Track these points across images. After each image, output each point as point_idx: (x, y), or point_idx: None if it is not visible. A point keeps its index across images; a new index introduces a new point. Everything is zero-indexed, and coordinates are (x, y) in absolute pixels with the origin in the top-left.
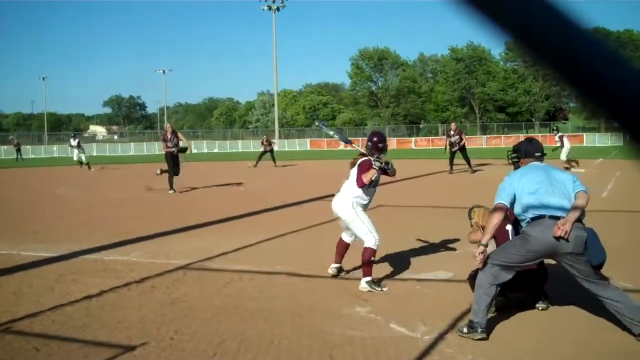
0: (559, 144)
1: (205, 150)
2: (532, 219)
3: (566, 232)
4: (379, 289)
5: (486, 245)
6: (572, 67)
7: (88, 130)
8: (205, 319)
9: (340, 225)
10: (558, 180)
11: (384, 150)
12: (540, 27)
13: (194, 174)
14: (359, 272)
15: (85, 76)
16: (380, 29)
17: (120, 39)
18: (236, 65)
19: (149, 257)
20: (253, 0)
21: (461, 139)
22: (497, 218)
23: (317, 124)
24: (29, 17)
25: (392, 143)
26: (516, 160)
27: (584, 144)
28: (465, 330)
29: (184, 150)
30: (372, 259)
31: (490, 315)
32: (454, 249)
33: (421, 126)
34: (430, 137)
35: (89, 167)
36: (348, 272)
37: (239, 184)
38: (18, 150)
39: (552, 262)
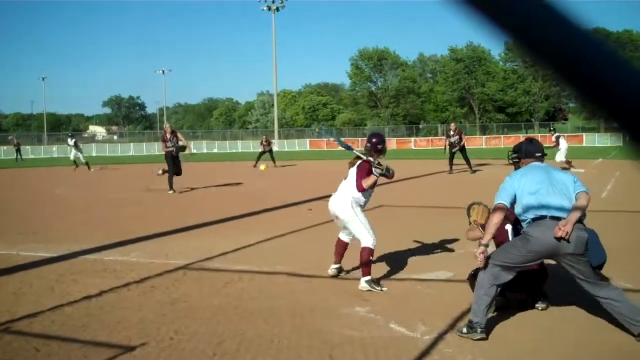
0: (554, 145)
1: (205, 151)
2: (533, 220)
3: (567, 233)
4: (379, 288)
5: (487, 246)
6: (572, 68)
7: (87, 131)
8: (205, 319)
9: (337, 225)
10: (559, 180)
11: (383, 151)
12: (540, 27)
13: (193, 174)
14: (359, 272)
15: (84, 76)
16: (380, 29)
17: (120, 39)
18: (236, 65)
19: (149, 257)
20: (252, 1)
21: (461, 139)
22: (497, 218)
23: (336, 142)
24: (29, 17)
25: (392, 143)
26: (517, 160)
27: (584, 144)
28: (464, 330)
29: (182, 149)
30: (371, 258)
31: (490, 315)
32: (453, 249)
33: (421, 126)
34: (430, 138)
35: (89, 167)
36: (348, 272)
37: (239, 184)
38: (18, 151)
39: (552, 262)
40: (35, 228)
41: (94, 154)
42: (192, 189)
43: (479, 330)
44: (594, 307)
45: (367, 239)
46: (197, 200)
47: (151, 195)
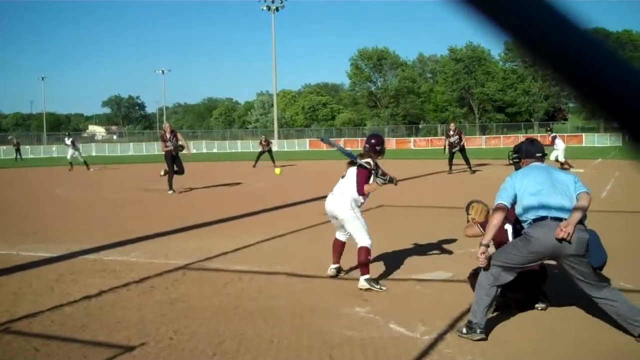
0: (550, 145)
1: (205, 151)
2: (534, 220)
3: (569, 234)
4: (378, 286)
5: (487, 246)
6: (571, 68)
7: (87, 130)
8: (205, 319)
9: (334, 224)
10: (560, 181)
11: (381, 152)
12: (539, 27)
13: (193, 174)
14: (358, 272)
15: (84, 76)
16: (379, 29)
17: (120, 39)
18: (235, 65)
19: (149, 257)
20: (252, 1)
21: (460, 139)
22: (497, 218)
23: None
24: (28, 17)
25: (391, 143)
26: (517, 160)
27: (583, 144)
28: (464, 330)
29: (182, 148)
30: (369, 257)
31: (490, 315)
32: (453, 249)
33: (420, 126)
34: (430, 138)
35: (88, 167)
36: (347, 272)
37: (238, 184)
38: (17, 150)
39: (552, 262)
40: (35, 228)
41: (93, 154)
42: (192, 189)
43: (478, 330)
44: (594, 307)
45: (364, 239)
46: (197, 200)
47: (151, 195)
